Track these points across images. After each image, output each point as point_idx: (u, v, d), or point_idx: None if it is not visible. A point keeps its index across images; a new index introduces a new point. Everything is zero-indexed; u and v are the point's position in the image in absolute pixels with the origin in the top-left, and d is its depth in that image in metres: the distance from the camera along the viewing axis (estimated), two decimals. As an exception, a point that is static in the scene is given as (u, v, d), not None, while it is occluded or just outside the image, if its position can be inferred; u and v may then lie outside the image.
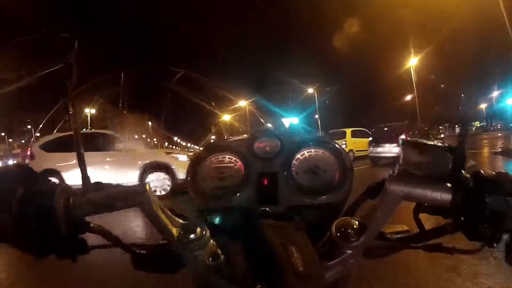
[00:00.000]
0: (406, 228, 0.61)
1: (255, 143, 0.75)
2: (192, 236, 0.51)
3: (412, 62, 32.27)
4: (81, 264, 0.56)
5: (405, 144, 0.53)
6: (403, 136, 13.86)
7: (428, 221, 0.57)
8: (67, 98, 0.59)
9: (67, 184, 0.53)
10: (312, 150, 0.72)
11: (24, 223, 0.48)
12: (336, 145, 0.72)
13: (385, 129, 15.82)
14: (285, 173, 0.69)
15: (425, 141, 0.53)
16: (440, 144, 0.52)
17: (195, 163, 0.74)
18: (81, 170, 0.56)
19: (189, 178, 0.71)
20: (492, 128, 63.03)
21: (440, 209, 0.50)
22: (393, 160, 13.48)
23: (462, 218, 0.48)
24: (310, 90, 43.41)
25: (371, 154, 15.16)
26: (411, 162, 0.52)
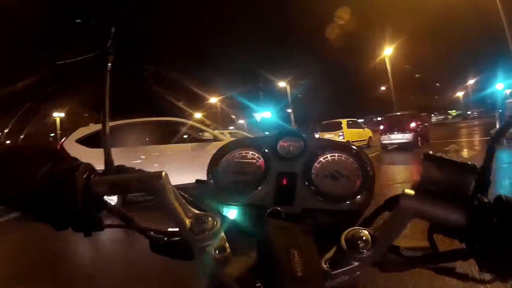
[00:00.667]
0: (417, 245, 0.58)
1: (279, 142, 0.75)
2: (203, 226, 0.52)
3: (387, 51, 32.01)
4: (93, 241, 0.59)
5: (427, 159, 0.50)
6: (413, 124, 16.16)
7: (445, 241, 0.54)
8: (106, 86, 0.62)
9: (91, 164, 0.56)
10: (336, 155, 0.71)
11: (45, 196, 0.52)
12: (360, 152, 0.71)
13: (396, 118, 17.62)
14: (305, 174, 0.68)
15: (448, 158, 0.50)
16: (464, 162, 0.49)
17: (218, 156, 0.75)
18: (105, 151, 0.59)
19: (209, 170, 0.73)
20: (470, 116, 60.46)
21: (455, 232, 0.47)
22: (404, 145, 15.77)
23: (477, 245, 0.45)
24: (282, 84, 41.68)
25: (384, 141, 16.82)
26: (431, 178, 0.49)
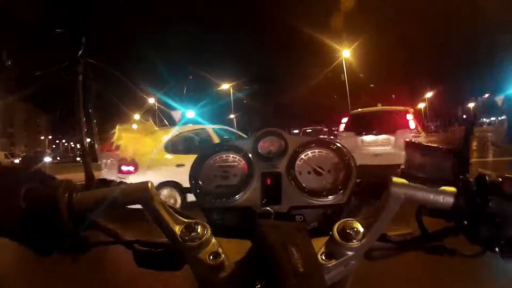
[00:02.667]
0: (409, 230, 0.60)
1: (259, 142, 0.75)
2: (194, 234, 0.52)
3: (345, 54, 30.04)
4: (82, 261, 0.57)
5: (409, 146, 0.52)
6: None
7: (430, 223, 0.57)
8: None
9: (70, 180, 0.53)
10: (316, 151, 0.72)
11: (27, 219, 0.48)
12: (340, 146, 0.72)
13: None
14: (289, 173, 0.69)
15: (429, 144, 0.52)
16: (444, 146, 0.52)
17: (198, 162, 0.74)
18: (84, 165, 0.56)
19: (192, 177, 0.72)
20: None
21: (443, 212, 0.50)
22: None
23: (465, 222, 0.48)
24: (226, 86, 39.41)
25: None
26: (415, 164, 0.51)
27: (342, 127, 7.98)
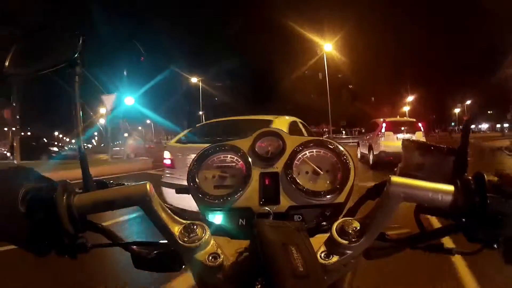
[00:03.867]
0: (406, 230, 0.61)
1: (257, 142, 0.75)
2: (193, 235, 0.52)
3: (327, 48, 29.79)
4: (81, 263, 0.56)
5: (406, 145, 0.52)
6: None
7: (427, 221, 0.57)
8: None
9: (67, 181, 0.53)
10: (314, 151, 0.72)
11: (26, 223, 0.48)
12: (338, 146, 0.72)
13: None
14: (287, 173, 0.69)
15: (427, 142, 0.52)
16: (442, 145, 0.52)
17: (196, 163, 0.74)
18: (82, 166, 0.56)
19: (190, 177, 0.71)
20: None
21: (441, 211, 0.50)
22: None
23: (463, 220, 0.48)
24: (194, 80, 37.12)
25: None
26: (413, 163, 0.52)
27: (383, 128, 12.03)
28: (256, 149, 0.74)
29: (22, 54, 0.56)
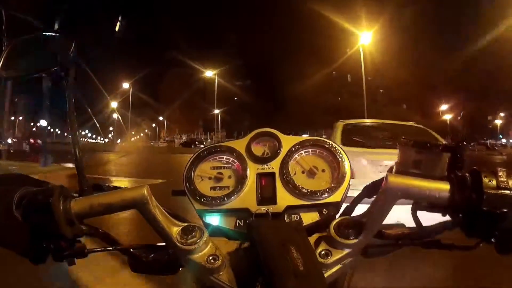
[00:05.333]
0: (402, 226, 0.61)
1: (252, 143, 0.75)
2: (191, 237, 0.52)
3: (364, 39, 25.67)
4: (78, 268, 0.56)
5: (403, 143, 0.53)
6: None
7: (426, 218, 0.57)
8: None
9: (63, 186, 0.53)
10: (310, 150, 0.72)
11: (21, 227, 0.48)
12: (333, 146, 0.72)
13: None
14: (283, 173, 0.69)
15: (423, 140, 0.53)
16: (437, 143, 0.53)
17: (192, 165, 0.73)
18: (78, 169, 0.56)
19: (186, 179, 0.71)
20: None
21: (438, 207, 0.50)
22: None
23: (461, 216, 0.49)
24: (209, 73, 34.02)
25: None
26: (409, 160, 0.52)
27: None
28: (252, 149, 0.74)
29: (14, 58, 0.56)
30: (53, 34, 0.57)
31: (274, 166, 0.71)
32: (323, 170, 0.70)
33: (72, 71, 0.56)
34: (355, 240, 0.51)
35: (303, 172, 0.70)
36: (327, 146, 0.72)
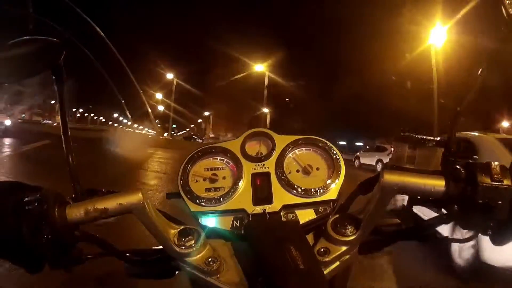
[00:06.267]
0: (398, 221, 0.61)
1: (246, 143, 0.75)
2: (188, 240, 0.52)
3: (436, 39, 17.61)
4: (75, 275, 0.55)
5: (396, 139, 0.53)
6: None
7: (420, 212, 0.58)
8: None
9: (57, 191, 0.52)
10: (303, 149, 0.73)
11: (16, 236, 0.47)
12: (326, 143, 0.73)
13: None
14: (278, 172, 0.69)
15: (416, 135, 0.53)
16: (430, 137, 0.53)
17: (185, 166, 0.73)
18: (71, 174, 0.55)
19: (180, 182, 0.71)
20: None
21: (434, 201, 0.51)
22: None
23: (456, 208, 0.49)
24: (260, 68, 31.85)
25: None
26: (404, 156, 0.52)
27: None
28: (246, 149, 0.74)
29: (3, 62, 0.55)
30: (43, 37, 0.56)
31: (268, 165, 0.71)
32: (317, 168, 0.70)
33: (63, 74, 0.55)
34: (353, 237, 0.51)
35: (298, 171, 0.70)
36: (321, 144, 0.72)
